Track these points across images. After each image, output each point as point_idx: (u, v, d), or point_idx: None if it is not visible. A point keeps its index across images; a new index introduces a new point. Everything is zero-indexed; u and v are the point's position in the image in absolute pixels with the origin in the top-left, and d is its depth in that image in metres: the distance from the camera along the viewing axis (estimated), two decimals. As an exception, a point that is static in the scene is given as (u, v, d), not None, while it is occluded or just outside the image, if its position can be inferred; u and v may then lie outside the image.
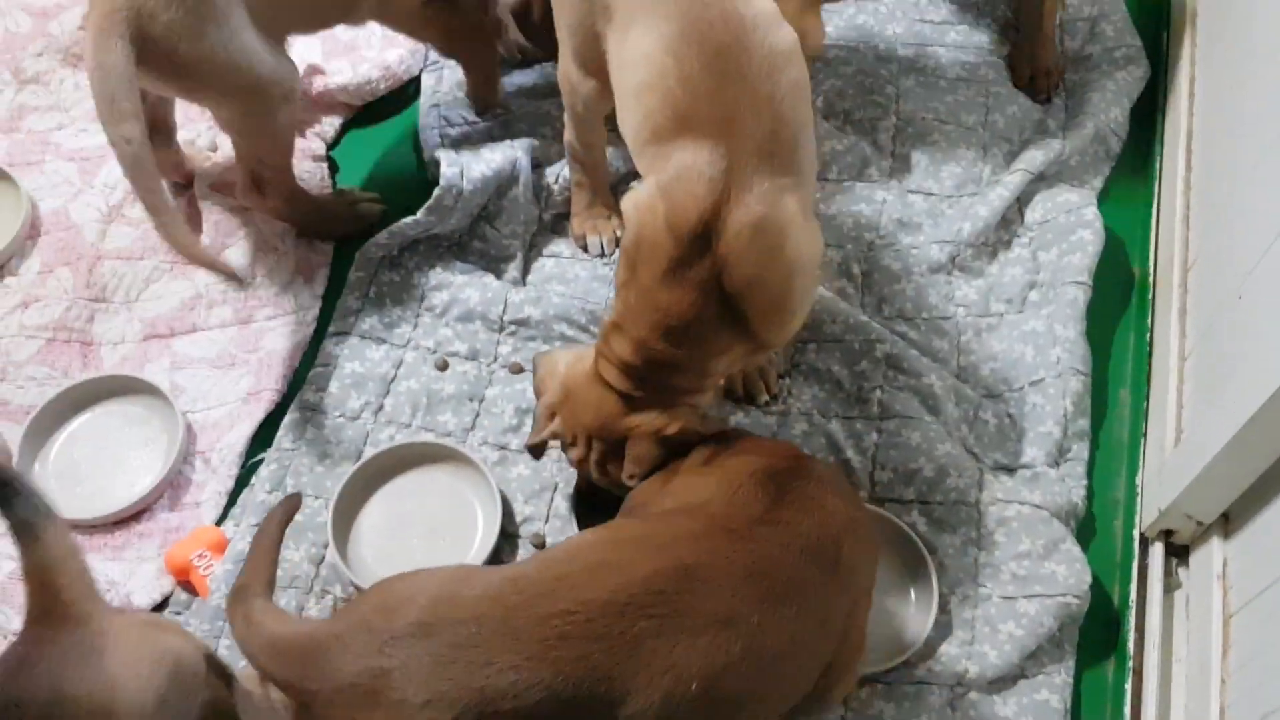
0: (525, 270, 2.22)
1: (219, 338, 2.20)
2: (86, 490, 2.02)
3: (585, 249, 2.23)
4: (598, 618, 1.29)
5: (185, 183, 2.38)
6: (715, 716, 1.36)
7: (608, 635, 1.29)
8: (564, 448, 1.77)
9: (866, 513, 1.61)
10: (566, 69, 1.92)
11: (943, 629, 1.79)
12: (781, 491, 1.49)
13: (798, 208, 1.58)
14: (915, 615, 1.80)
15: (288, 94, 2.02)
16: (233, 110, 2.02)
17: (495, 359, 2.11)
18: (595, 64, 1.82)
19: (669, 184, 1.56)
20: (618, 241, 2.21)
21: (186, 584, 1.92)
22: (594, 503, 1.83)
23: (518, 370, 2.09)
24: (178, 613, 1.90)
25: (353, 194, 2.32)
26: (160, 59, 1.85)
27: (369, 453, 2.00)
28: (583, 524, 1.90)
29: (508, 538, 1.93)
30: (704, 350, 1.63)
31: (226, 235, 2.29)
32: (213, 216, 2.32)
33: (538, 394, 1.79)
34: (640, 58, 1.61)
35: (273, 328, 2.19)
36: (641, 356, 1.63)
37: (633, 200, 1.63)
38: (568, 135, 2.10)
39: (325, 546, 1.91)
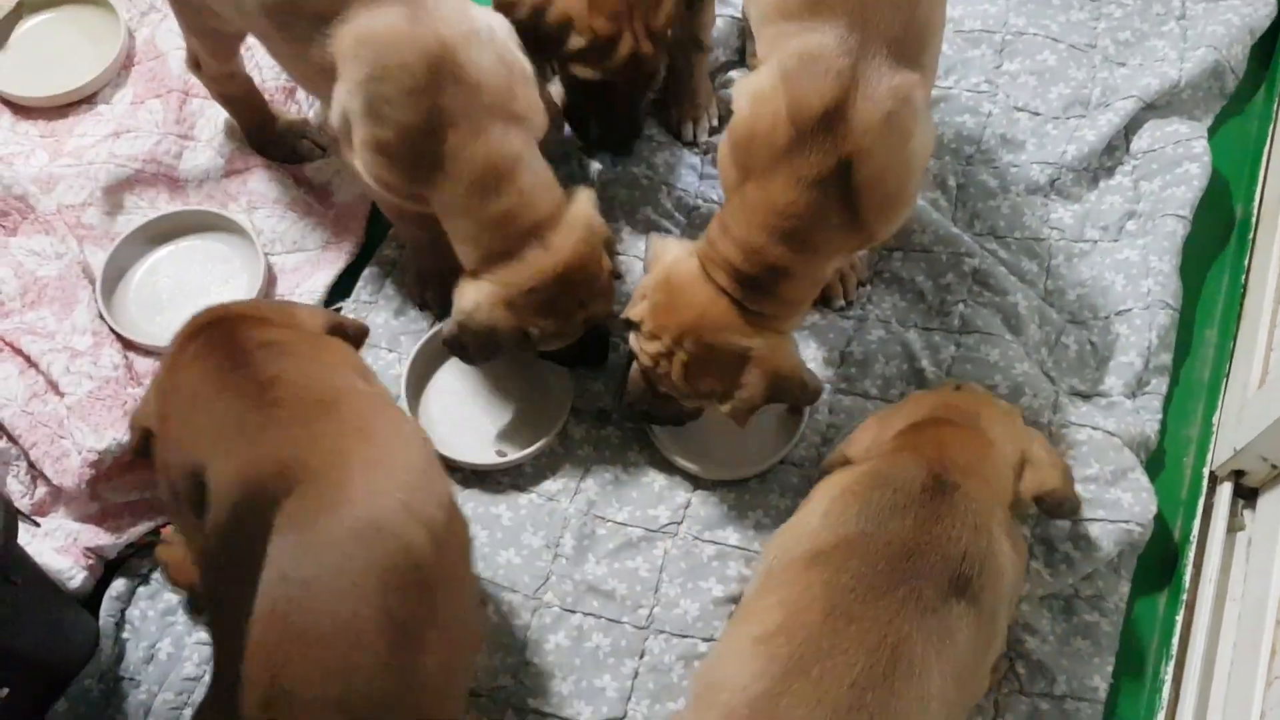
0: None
1: (290, 184, 2.20)
2: (166, 319, 2.05)
3: (679, 136, 2.21)
4: None
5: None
6: None
7: None
8: (636, 337, 1.72)
9: None
10: None
11: (1001, 543, 1.79)
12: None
13: (923, 103, 1.54)
14: None
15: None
16: None
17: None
18: None
19: (793, 71, 1.50)
20: (710, 130, 2.19)
21: (257, 420, 1.96)
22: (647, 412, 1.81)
23: None
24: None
25: (303, 128, 2.22)
26: None
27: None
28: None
29: (576, 415, 1.94)
30: (820, 253, 1.57)
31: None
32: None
33: (648, 271, 1.74)
34: None
35: (329, 179, 2.20)
36: (752, 261, 1.57)
37: (749, 89, 1.57)
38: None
39: (397, 399, 1.93)
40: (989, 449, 1.53)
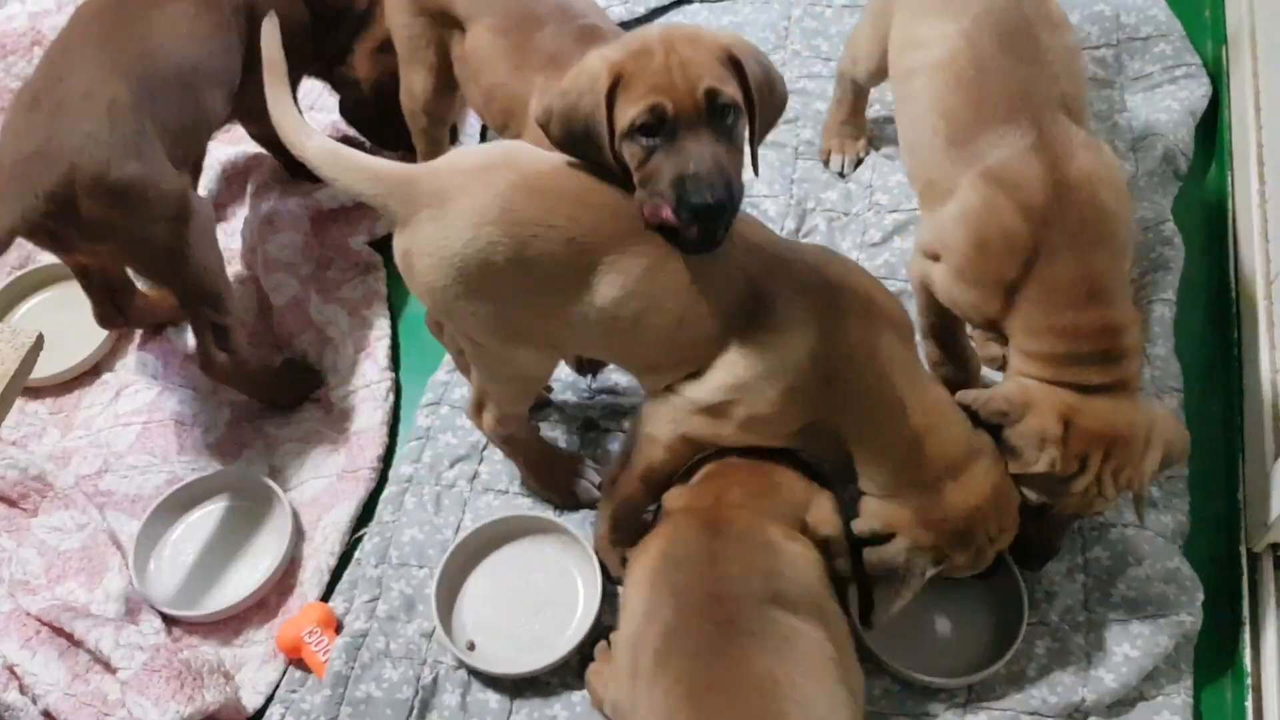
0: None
1: (305, 417, 2.26)
2: (200, 585, 2.07)
3: (827, 163, 2.36)
4: None
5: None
6: None
7: None
8: (1052, 486, 1.64)
9: None
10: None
11: (1057, 656, 1.78)
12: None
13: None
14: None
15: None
16: None
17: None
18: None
19: (998, 173, 1.63)
20: (858, 162, 2.35)
21: (298, 661, 1.96)
22: None
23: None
24: (293, 691, 1.93)
25: (581, 466, 2.05)
26: None
27: (469, 522, 2.03)
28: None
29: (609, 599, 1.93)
30: (1120, 293, 1.64)
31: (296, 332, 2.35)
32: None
33: (1007, 420, 1.64)
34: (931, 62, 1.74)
35: (353, 405, 2.23)
36: (1077, 341, 1.61)
37: (957, 212, 1.66)
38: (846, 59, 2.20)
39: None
40: (772, 487, 1.67)
